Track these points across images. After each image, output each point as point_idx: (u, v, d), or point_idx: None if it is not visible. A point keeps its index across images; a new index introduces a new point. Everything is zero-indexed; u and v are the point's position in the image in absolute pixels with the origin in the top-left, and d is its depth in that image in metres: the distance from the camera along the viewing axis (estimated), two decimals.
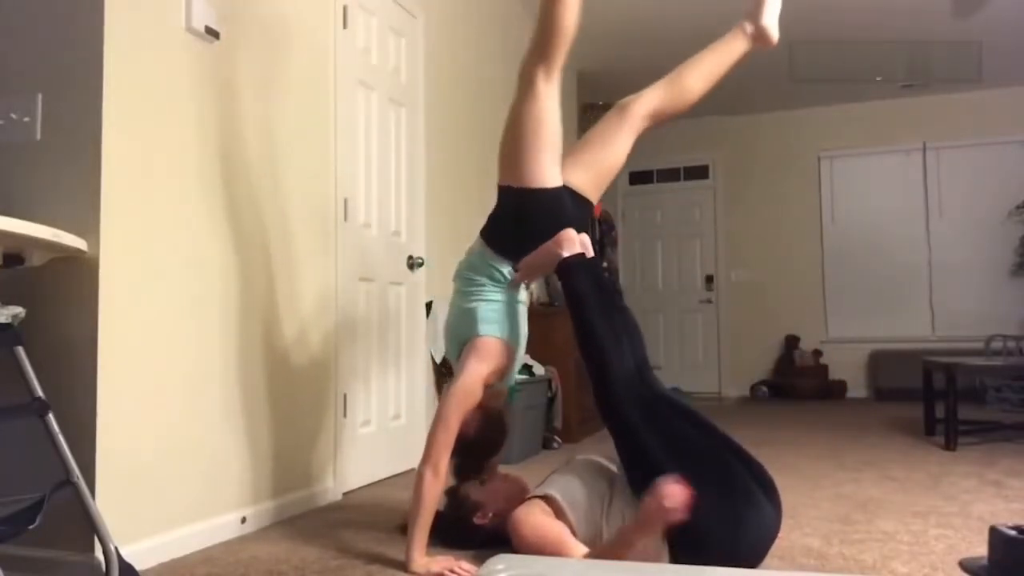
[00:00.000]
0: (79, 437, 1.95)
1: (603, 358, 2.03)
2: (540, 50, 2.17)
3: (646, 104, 2.37)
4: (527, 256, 2.22)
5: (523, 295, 2.43)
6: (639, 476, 1.97)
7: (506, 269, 2.29)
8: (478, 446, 2.29)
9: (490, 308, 2.27)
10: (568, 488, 2.09)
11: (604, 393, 2.03)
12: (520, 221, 2.26)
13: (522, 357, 2.43)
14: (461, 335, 2.30)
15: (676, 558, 1.89)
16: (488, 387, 2.24)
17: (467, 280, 2.34)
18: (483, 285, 2.30)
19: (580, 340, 2.09)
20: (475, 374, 2.18)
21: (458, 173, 4.31)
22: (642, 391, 2.02)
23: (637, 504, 1.95)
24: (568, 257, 2.13)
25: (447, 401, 2.15)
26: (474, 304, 2.28)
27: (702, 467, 1.91)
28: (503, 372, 2.28)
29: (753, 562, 1.94)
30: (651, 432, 1.96)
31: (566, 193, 2.28)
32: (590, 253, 2.17)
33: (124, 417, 2.10)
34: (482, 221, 2.43)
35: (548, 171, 2.23)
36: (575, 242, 2.15)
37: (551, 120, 2.22)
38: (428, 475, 2.09)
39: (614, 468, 2.15)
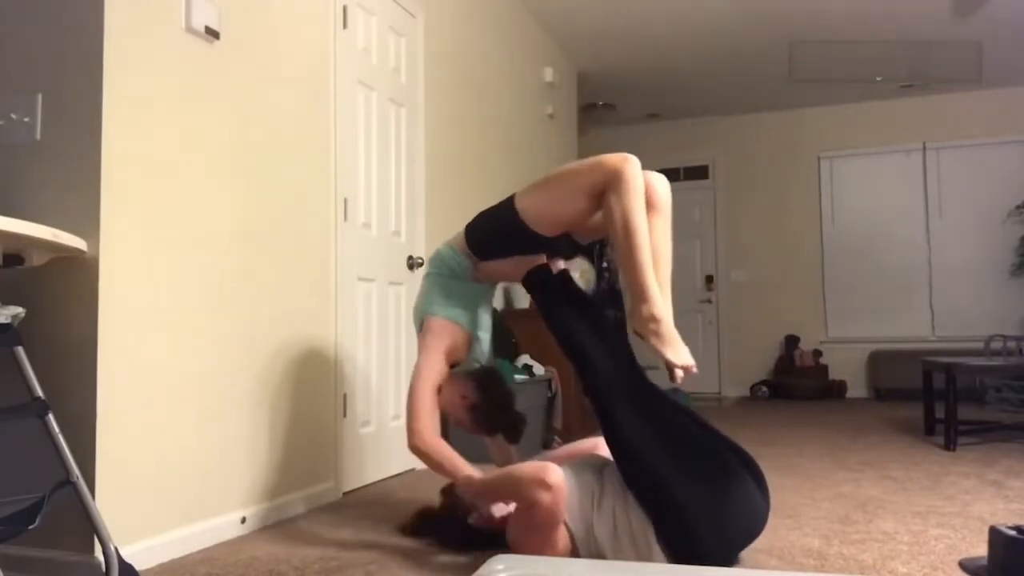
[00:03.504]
0: (79, 437, 1.96)
1: (582, 357, 2.13)
2: (618, 188, 2.06)
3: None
4: (494, 262, 2.36)
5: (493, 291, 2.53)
6: (627, 464, 1.99)
7: (465, 264, 2.38)
8: (490, 407, 2.31)
9: (441, 290, 2.39)
10: None
11: (590, 387, 2.11)
12: (505, 237, 2.30)
13: (485, 342, 2.50)
14: (418, 314, 2.44)
15: (667, 543, 1.90)
16: (453, 365, 2.36)
17: (430, 267, 2.45)
18: (441, 273, 2.41)
19: (559, 343, 2.20)
20: (425, 351, 2.31)
21: (458, 173, 4.31)
22: (625, 384, 2.07)
23: (628, 496, 1.97)
24: (534, 269, 2.30)
25: (413, 382, 2.27)
26: (428, 286, 2.43)
27: (688, 449, 1.97)
28: (459, 350, 2.38)
29: (744, 543, 1.99)
30: (637, 419, 2.00)
31: (563, 240, 2.34)
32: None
33: (124, 417, 2.10)
34: None
35: (554, 230, 2.24)
36: (544, 260, 2.34)
37: (587, 211, 2.18)
38: (424, 439, 2.18)
39: (603, 461, 2.16)
